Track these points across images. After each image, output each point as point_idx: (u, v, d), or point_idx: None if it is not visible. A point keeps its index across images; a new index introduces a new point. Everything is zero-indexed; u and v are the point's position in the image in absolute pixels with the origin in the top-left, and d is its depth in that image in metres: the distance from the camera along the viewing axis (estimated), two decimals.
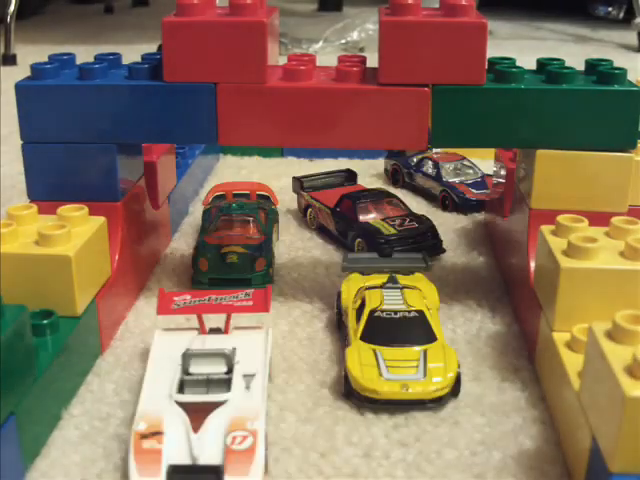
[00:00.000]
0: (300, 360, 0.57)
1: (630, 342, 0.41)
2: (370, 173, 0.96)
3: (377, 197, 0.77)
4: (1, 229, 0.54)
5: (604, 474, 0.40)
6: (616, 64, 0.60)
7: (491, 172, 0.82)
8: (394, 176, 0.93)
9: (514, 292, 0.65)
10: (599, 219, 0.55)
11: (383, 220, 0.73)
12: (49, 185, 0.61)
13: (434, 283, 0.63)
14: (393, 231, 0.72)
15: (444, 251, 0.73)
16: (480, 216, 0.83)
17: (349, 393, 0.52)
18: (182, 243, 0.77)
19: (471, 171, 0.88)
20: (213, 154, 0.98)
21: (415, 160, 0.90)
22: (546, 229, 0.55)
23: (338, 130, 0.59)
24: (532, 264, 0.59)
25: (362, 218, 0.74)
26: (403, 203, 0.77)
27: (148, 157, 0.70)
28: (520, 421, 0.50)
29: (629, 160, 0.59)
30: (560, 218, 0.55)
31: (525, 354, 0.58)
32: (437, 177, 0.87)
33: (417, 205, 0.86)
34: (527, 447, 0.48)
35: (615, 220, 0.53)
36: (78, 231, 0.56)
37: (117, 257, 0.61)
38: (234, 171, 0.96)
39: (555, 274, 0.51)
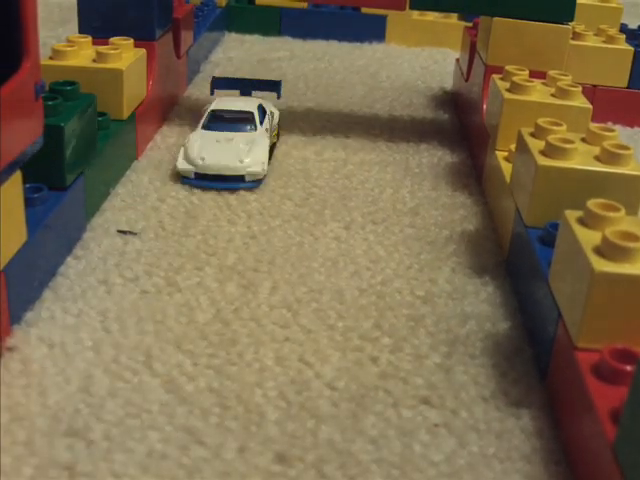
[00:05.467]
0: None
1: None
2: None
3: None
4: (64, 48, 0.68)
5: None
6: None
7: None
8: None
9: (470, 135, 0.81)
10: (539, 75, 0.70)
11: None
12: (98, 23, 0.75)
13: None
14: None
15: None
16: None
17: None
18: (196, 91, 0.91)
19: None
20: (219, 30, 1.12)
21: None
22: (496, 77, 0.71)
23: None
24: (485, 106, 0.74)
25: None
26: None
27: (175, 14, 0.83)
28: (466, 213, 0.66)
29: (567, 30, 0.74)
30: (507, 67, 0.70)
31: (474, 177, 0.73)
32: None
33: None
34: (469, 229, 0.64)
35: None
36: (126, 55, 0.70)
37: (151, 83, 0.75)
38: (238, 44, 1.10)
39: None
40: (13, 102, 0.42)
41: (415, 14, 1.18)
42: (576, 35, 0.89)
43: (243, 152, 0.67)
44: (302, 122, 0.84)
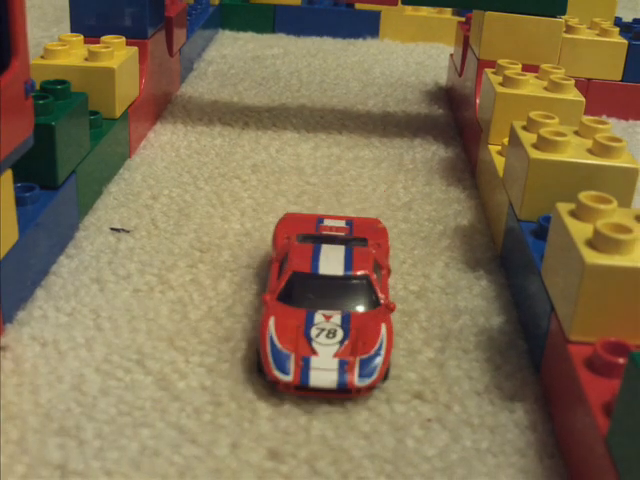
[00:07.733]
0: None
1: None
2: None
3: None
4: (56, 47, 0.68)
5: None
6: None
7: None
8: None
9: (464, 130, 0.81)
10: (532, 69, 0.70)
11: None
12: (90, 22, 0.75)
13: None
14: None
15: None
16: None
17: None
18: (189, 90, 0.91)
19: None
20: (213, 28, 1.12)
21: None
22: (489, 71, 0.71)
23: None
24: (478, 100, 0.74)
25: None
26: None
27: (167, 13, 0.83)
28: (460, 207, 0.66)
29: (559, 24, 0.74)
30: (500, 61, 0.70)
31: (468, 172, 0.73)
32: None
33: None
34: (463, 223, 0.64)
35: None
36: (118, 54, 0.70)
37: (144, 81, 0.75)
38: (232, 41, 1.10)
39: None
40: (2, 101, 0.42)
41: (409, 9, 1.18)
42: (570, 28, 0.89)
43: None
44: (296, 118, 0.83)
